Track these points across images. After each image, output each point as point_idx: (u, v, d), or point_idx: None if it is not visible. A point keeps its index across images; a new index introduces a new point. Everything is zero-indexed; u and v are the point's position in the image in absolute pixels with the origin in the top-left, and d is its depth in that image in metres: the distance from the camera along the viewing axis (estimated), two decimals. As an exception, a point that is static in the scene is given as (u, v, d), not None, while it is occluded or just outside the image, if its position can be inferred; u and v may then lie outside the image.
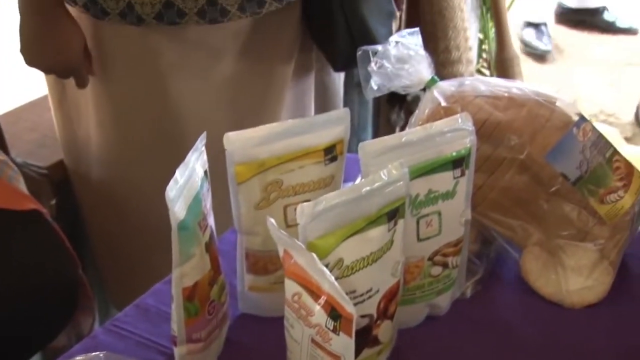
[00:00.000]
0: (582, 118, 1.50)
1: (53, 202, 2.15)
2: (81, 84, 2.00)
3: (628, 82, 4.70)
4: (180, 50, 1.95)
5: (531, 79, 4.31)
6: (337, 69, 2.14)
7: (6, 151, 2.01)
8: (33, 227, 1.86)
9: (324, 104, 2.00)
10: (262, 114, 1.93)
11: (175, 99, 1.94)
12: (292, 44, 2.05)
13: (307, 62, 2.10)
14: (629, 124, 4.21)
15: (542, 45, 5.28)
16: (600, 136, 1.51)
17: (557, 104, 1.52)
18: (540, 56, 5.35)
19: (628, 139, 4.07)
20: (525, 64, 4.44)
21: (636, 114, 4.25)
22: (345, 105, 2.50)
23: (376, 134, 3.05)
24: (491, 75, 3.77)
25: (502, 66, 3.68)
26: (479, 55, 3.90)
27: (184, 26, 1.89)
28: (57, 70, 2.00)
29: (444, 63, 3.16)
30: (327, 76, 2.25)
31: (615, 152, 1.51)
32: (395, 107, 3.03)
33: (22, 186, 1.90)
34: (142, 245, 1.87)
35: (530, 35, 5.38)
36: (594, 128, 1.50)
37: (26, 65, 1.99)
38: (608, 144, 1.51)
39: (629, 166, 1.52)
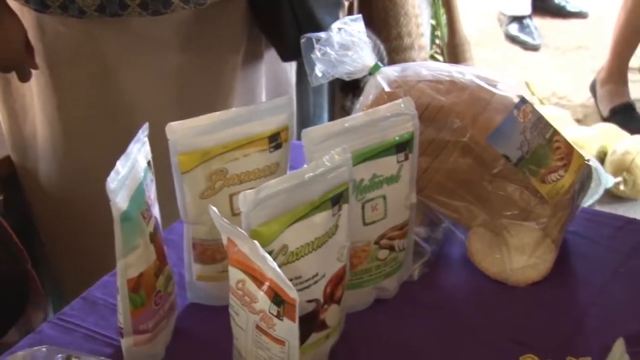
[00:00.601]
0: (523, 100, 1.49)
1: (0, 198, 2.12)
2: (24, 78, 1.98)
3: (579, 65, 4.72)
4: (124, 42, 1.93)
5: (482, 64, 4.31)
6: (286, 59, 2.12)
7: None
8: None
9: (275, 94, 1.99)
10: (212, 105, 1.89)
11: (122, 91, 1.92)
12: (239, 35, 2.03)
13: (256, 52, 2.08)
14: (580, 106, 4.23)
15: (530, 39, 5.26)
16: (541, 117, 1.51)
17: (499, 86, 1.51)
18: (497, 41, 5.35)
19: (579, 121, 4.09)
20: (479, 49, 4.45)
21: (592, 86, 4.26)
22: (299, 94, 2.49)
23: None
24: (444, 61, 3.78)
25: (453, 52, 3.70)
26: (432, 42, 3.91)
27: (126, 18, 1.86)
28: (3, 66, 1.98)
29: (396, 50, 3.15)
30: (278, 65, 2.23)
31: (555, 132, 1.51)
32: (349, 95, 3.02)
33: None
34: (91, 238, 1.84)
35: (514, 29, 5.36)
36: (534, 109, 1.50)
37: None
38: (548, 125, 1.51)
39: (569, 146, 1.52)
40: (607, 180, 3.31)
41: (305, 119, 2.66)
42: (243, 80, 2.05)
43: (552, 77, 4.41)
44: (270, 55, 2.15)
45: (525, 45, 5.28)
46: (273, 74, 2.19)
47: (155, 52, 1.93)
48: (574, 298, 1.49)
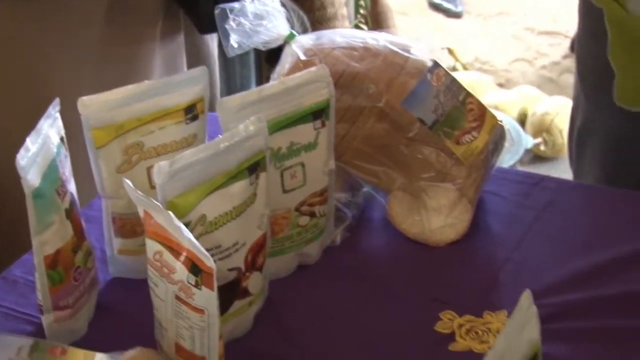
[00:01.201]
0: (436, 64, 1.48)
1: None
2: None
3: (500, 30, 4.73)
4: (42, 18, 1.87)
5: (406, 32, 4.31)
6: (203, 32, 2.08)
7: None
8: None
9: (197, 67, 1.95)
10: (131, 79, 1.86)
11: (40, 67, 1.86)
12: (156, 9, 1.98)
13: (174, 26, 2.03)
14: (502, 71, 4.24)
15: (453, 7, 5.23)
16: (454, 80, 1.50)
17: (412, 51, 1.50)
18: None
19: (501, 85, 4.10)
20: (403, 18, 4.45)
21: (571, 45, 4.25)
22: (225, 66, 2.47)
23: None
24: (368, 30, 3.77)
25: (376, 20, 3.68)
26: (356, 11, 3.89)
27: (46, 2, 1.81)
28: None
29: (320, 20, 3.11)
30: (199, 39, 2.19)
31: (468, 94, 1.51)
32: (275, 66, 3.00)
33: None
34: (7, 216, 1.79)
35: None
36: (447, 73, 1.50)
37: None
38: (461, 88, 1.50)
39: (482, 107, 1.51)
40: (527, 141, 3.35)
41: (232, 91, 2.61)
42: (162, 54, 2.01)
43: (475, 43, 4.42)
44: (191, 29, 2.11)
45: (448, 13, 5.26)
46: (194, 48, 2.16)
47: (74, 27, 1.87)
48: (490, 255, 1.49)
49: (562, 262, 1.45)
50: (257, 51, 2.46)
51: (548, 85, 3.89)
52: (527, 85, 3.91)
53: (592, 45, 1.73)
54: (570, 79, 3.84)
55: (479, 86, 3.82)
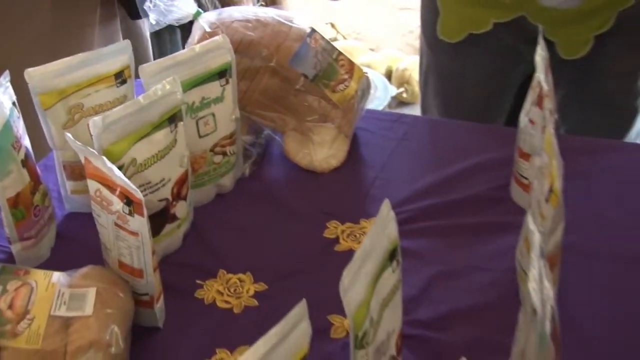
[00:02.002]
0: (313, 30, 1.45)
1: None
2: None
3: (371, 6, 4.67)
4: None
5: (297, 9, 4.26)
6: (133, 18, 1.99)
7: None
8: None
9: (133, 47, 1.86)
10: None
11: None
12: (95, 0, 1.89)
13: (110, 14, 1.94)
14: (373, 39, 4.20)
15: None
16: (328, 43, 1.47)
17: (294, 22, 1.47)
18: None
19: (372, 49, 4.07)
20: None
21: None
22: (159, 45, 2.38)
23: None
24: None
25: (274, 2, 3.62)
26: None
27: None
28: None
29: (228, 3, 3.06)
30: (132, 23, 2.09)
31: (340, 53, 1.48)
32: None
33: None
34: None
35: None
36: (322, 37, 1.46)
37: None
38: (334, 48, 1.47)
39: (351, 63, 1.48)
40: (392, 90, 3.38)
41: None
42: (101, 38, 1.91)
43: (352, 18, 4.37)
44: (125, 16, 2.02)
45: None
46: (128, 31, 2.05)
47: (20, 15, 1.77)
48: (363, 176, 1.47)
49: (418, 177, 1.43)
50: (183, 30, 2.38)
51: (408, 48, 3.88)
52: (392, 48, 3.90)
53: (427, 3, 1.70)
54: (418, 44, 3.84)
55: (355, 51, 3.83)
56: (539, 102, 1.22)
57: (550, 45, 1.55)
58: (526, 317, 0.89)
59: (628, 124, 1.68)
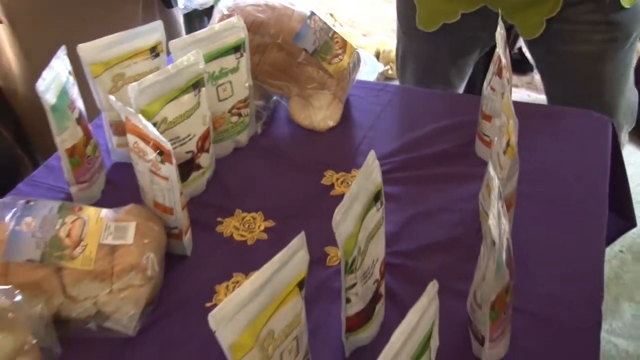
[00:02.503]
0: (312, 13, 1.43)
1: None
2: None
3: (364, 1, 4.61)
4: (68, 5, 1.76)
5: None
6: (168, 6, 1.96)
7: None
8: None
9: (167, 30, 1.84)
10: None
11: (55, 27, 1.75)
12: None
13: (150, 5, 1.91)
14: (366, 25, 4.13)
15: None
16: (325, 23, 1.45)
17: (296, 6, 1.44)
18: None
19: (364, 35, 4.02)
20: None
21: None
22: (190, 30, 2.35)
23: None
24: None
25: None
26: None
27: None
28: None
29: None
30: (167, 12, 2.05)
31: (335, 32, 1.45)
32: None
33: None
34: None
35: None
36: (320, 19, 1.44)
37: None
38: (330, 28, 1.45)
39: (344, 40, 1.46)
40: (380, 67, 3.35)
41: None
42: (143, 22, 1.89)
43: (348, 9, 4.31)
44: (161, 5, 1.99)
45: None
46: (165, 18, 2.02)
47: (85, 9, 1.77)
48: (354, 134, 1.45)
49: (399, 136, 1.42)
50: (208, 17, 2.36)
51: (393, 34, 3.80)
52: (380, 35, 3.86)
53: None
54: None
55: (350, 36, 3.77)
56: (498, 73, 1.21)
57: (511, 28, 1.56)
58: (486, 248, 0.89)
59: (595, 95, 1.67)
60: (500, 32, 1.18)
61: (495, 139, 1.09)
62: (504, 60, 1.15)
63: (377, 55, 3.53)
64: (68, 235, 1.04)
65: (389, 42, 3.59)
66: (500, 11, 1.36)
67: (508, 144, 1.03)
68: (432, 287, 0.73)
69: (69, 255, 1.02)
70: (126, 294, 1.03)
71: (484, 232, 1.13)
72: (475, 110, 1.35)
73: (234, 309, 0.72)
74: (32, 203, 1.08)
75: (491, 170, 0.96)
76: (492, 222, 0.85)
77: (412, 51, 1.75)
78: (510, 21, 1.56)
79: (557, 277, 1.08)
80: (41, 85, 1.11)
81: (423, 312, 0.71)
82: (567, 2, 1.50)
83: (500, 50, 1.17)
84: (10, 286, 0.95)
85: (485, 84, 1.28)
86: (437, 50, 1.67)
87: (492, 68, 1.25)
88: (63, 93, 1.17)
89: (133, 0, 1.85)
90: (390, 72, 3.38)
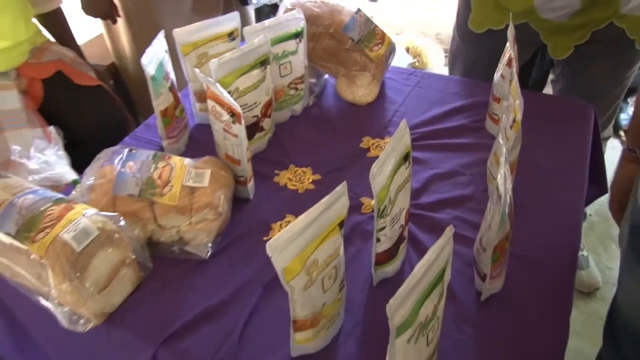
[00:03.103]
0: (358, 10, 1.39)
1: (111, 82, 2.00)
2: (114, 22, 1.81)
3: (398, 7, 4.51)
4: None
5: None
6: (242, 4, 1.94)
7: (84, 59, 1.85)
8: (99, 94, 1.74)
9: (241, 21, 1.83)
10: None
11: (159, 18, 1.75)
12: None
13: (228, 2, 1.89)
14: (398, 26, 4.06)
15: None
16: (368, 18, 1.40)
17: (345, 4, 1.40)
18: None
19: (397, 34, 3.95)
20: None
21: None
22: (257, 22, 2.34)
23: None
24: None
25: None
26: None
27: None
28: (100, 16, 1.80)
29: None
30: (242, 8, 2.03)
31: (376, 26, 1.41)
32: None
33: (92, 74, 1.76)
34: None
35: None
36: (364, 14, 1.40)
37: (85, 14, 1.79)
38: (372, 22, 1.40)
39: (383, 33, 1.42)
40: (409, 59, 3.26)
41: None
42: (223, 14, 1.87)
43: (385, 13, 4.24)
44: (237, 3, 1.96)
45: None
46: (240, 11, 2.01)
47: (176, 3, 1.76)
48: (388, 108, 1.41)
49: (424, 111, 1.38)
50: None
51: (419, 35, 3.75)
52: (410, 34, 3.78)
53: (464, 4, 1.61)
54: (431, 33, 3.72)
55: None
56: (508, 63, 1.17)
57: (545, 47, 1.50)
58: (492, 203, 0.87)
59: (609, 110, 1.60)
60: (511, 30, 1.13)
61: (504, 116, 1.06)
62: (512, 54, 1.11)
63: (407, 50, 3.46)
64: (159, 177, 1.03)
65: (417, 41, 3.51)
66: (538, 30, 1.32)
67: (514, 120, 1.00)
68: (449, 231, 0.71)
69: (159, 193, 1.02)
70: (201, 225, 1.02)
71: (490, 191, 1.11)
72: (485, 93, 1.32)
73: (287, 240, 0.71)
74: (134, 151, 1.08)
75: (501, 139, 0.93)
76: (499, 180, 0.82)
77: (461, 48, 1.70)
78: (545, 42, 1.49)
79: (545, 229, 1.06)
80: (144, 59, 1.11)
81: (440, 250, 0.69)
82: (594, 34, 1.42)
83: (510, 44, 1.13)
84: (116, 213, 0.96)
85: (496, 72, 1.24)
86: (480, 49, 1.61)
87: (502, 60, 1.21)
88: (160, 66, 1.16)
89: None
90: (417, 63, 3.31)
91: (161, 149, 1.26)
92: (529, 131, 1.17)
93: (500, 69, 1.22)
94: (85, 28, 2.27)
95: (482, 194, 1.13)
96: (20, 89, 1.62)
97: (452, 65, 1.80)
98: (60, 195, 0.98)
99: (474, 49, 1.65)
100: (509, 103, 1.04)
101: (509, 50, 1.15)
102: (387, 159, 0.82)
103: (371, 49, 1.37)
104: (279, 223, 1.08)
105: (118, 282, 0.95)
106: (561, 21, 1.40)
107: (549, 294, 0.95)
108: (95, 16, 1.81)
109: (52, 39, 1.82)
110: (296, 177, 1.20)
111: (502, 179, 0.82)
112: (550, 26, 1.44)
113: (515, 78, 1.04)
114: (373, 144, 1.27)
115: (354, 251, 1.03)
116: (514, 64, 1.10)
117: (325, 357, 0.87)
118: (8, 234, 0.91)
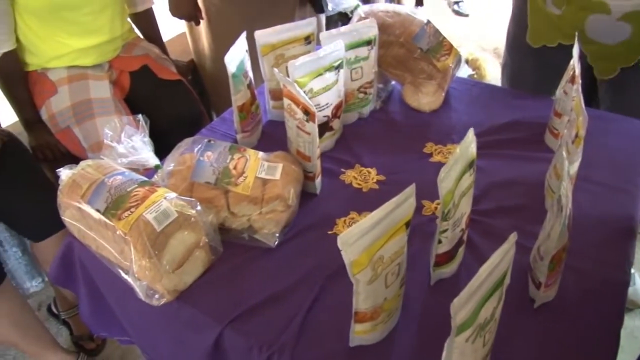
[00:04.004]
0: (429, 21, 1.37)
1: (189, 77, 2.04)
2: (197, 23, 1.84)
3: (457, 23, 4.43)
4: (238, 6, 1.77)
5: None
6: (318, 12, 1.93)
7: (167, 55, 1.89)
8: (178, 87, 1.77)
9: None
10: None
11: (237, 24, 1.75)
12: (295, 1, 1.85)
13: (303, 9, 1.89)
14: (458, 39, 3.99)
15: (462, 11, 4.60)
16: (437, 30, 1.38)
17: (416, 15, 1.38)
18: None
19: (458, 46, 3.91)
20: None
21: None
22: (327, 29, 2.35)
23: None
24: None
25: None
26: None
27: None
28: (185, 17, 1.83)
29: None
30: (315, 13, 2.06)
31: (444, 38, 1.38)
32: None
33: (174, 69, 1.80)
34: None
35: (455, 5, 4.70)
36: (434, 26, 1.37)
37: (171, 16, 1.83)
38: (441, 34, 1.38)
39: (450, 45, 1.39)
40: (469, 71, 3.21)
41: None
42: (299, 18, 1.88)
43: (447, 27, 4.17)
44: (312, 10, 1.97)
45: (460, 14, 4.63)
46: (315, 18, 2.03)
47: (256, 7, 1.78)
48: (451, 116, 1.38)
49: (485, 121, 1.35)
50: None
51: (478, 48, 3.67)
52: (469, 48, 3.71)
53: (517, 19, 1.58)
54: (489, 47, 3.65)
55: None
56: (571, 80, 1.14)
57: (590, 68, 1.45)
58: (553, 214, 0.84)
59: None
60: (576, 49, 1.10)
61: (565, 131, 1.03)
62: (577, 71, 1.08)
63: (467, 62, 3.40)
64: (234, 168, 1.05)
65: (475, 52, 3.46)
66: (586, 53, 1.29)
67: (577, 136, 0.97)
68: (512, 237, 0.69)
69: (234, 182, 1.03)
70: (271, 216, 1.03)
71: (549, 203, 1.08)
72: (544, 108, 1.28)
73: (356, 235, 0.71)
74: (212, 142, 1.09)
75: (564, 153, 0.90)
76: (563, 192, 0.80)
77: (507, 61, 1.66)
78: (591, 63, 1.44)
79: (599, 243, 1.02)
80: (227, 57, 1.12)
81: (504, 255, 0.67)
82: None
83: (575, 62, 1.10)
84: (193, 199, 0.97)
85: (559, 89, 1.20)
86: (528, 63, 1.57)
87: (565, 76, 1.18)
88: (240, 64, 1.17)
89: (290, 4, 1.85)
90: (475, 76, 3.25)
91: (235, 141, 1.27)
92: (585, 146, 1.14)
93: (563, 85, 1.19)
94: (169, 27, 2.32)
95: (538, 204, 1.10)
96: (111, 79, 1.68)
97: (502, 77, 1.76)
98: (144, 178, 1.00)
99: (520, 63, 1.62)
100: (572, 118, 1.01)
101: (573, 68, 1.11)
102: (454, 164, 0.81)
103: (438, 59, 1.35)
104: (343, 219, 1.08)
105: (191, 263, 0.97)
106: (608, 44, 1.36)
107: (601, 307, 0.92)
108: (182, 18, 1.85)
109: (141, 36, 1.87)
110: (361, 176, 1.19)
111: (564, 192, 0.80)
112: (597, 49, 1.40)
113: (580, 95, 1.01)
114: (436, 150, 1.25)
115: (413, 251, 1.01)
116: (578, 81, 1.06)
117: (381, 350, 0.86)
118: (98, 210, 0.94)
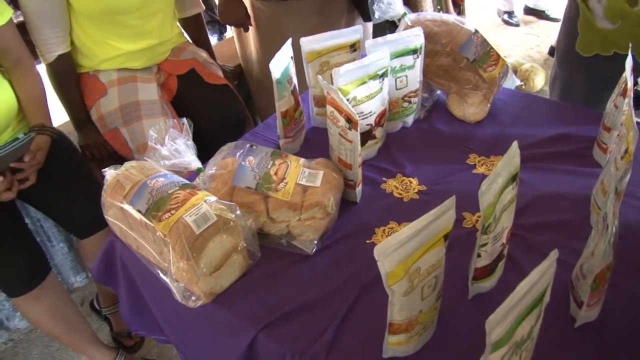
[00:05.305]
0: (476, 31, 1.35)
1: (236, 82, 2.06)
2: (246, 30, 1.86)
3: (506, 33, 4.36)
4: (289, 13, 1.78)
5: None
6: (366, 20, 1.93)
7: (215, 59, 1.92)
8: (224, 92, 1.80)
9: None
10: None
11: (285, 31, 1.77)
12: (343, 9, 1.86)
13: (351, 17, 1.91)
14: (506, 49, 3.93)
15: (513, 21, 4.52)
16: (485, 40, 1.36)
17: (464, 24, 1.37)
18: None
19: (505, 56, 3.84)
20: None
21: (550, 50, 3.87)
22: (375, 35, 2.34)
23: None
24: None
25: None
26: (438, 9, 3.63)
27: (291, 3, 1.75)
28: (235, 24, 1.85)
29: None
30: (363, 23, 2.05)
31: (492, 48, 1.36)
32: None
33: (220, 74, 1.83)
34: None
35: (506, 16, 4.63)
36: (482, 36, 1.36)
37: (221, 22, 1.87)
38: (488, 44, 1.36)
39: (498, 55, 1.37)
40: (516, 81, 3.15)
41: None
42: (346, 26, 1.88)
43: (495, 37, 4.11)
44: (359, 19, 1.98)
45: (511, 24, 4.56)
46: (362, 24, 2.03)
47: (303, 13, 1.78)
48: (497, 127, 1.36)
49: (531, 134, 1.32)
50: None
51: (527, 58, 3.59)
52: (517, 57, 3.65)
53: (568, 30, 1.54)
54: (539, 58, 3.58)
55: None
56: (623, 94, 1.10)
57: None
58: (597, 232, 0.82)
59: None
60: (629, 61, 1.07)
61: (614, 146, 1.00)
62: (629, 84, 1.05)
63: (515, 71, 3.34)
64: (275, 174, 1.05)
65: (524, 63, 3.39)
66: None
67: (626, 151, 0.93)
68: (553, 254, 0.68)
69: (274, 188, 1.03)
70: (310, 223, 1.03)
71: (594, 219, 1.05)
72: (592, 121, 1.25)
73: (394, 246, 0.70)
74: (254, 147, 1.11)
75: (612, 169, 0.88)
76: (609, 209, 0.77)
77: (558, 72, 1.63)
78: None
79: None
80: (272, 64, 1.13)
81: (544, 272, 0.66)
82: None
83: (628, 75, 1.06)
84: (233, 203, 0.98)
85: (609, 102, 1.17)
86: (578, 74, 1.54)
87: (617, 90, 1.14)
88: (285, 70, 1.18)
89: (339, 12, 1.85)
90: (524, 87, 3.19)
91: (277, 147, 1.28)
92: (635, 162, 1.10)
93: (614, 98, 1.15)
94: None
95: (582, 220, 1.07)
96: (159, 82, 1.71)
97: (551, 90, 1.73)
98: (185, 181, 1.02)
99: (571, 74, 1.58)
100: (622, 133, 0.98)
101: (625, 81, 1.08)
102: (497, 177, 0.80)
103: (485, 70, 1.33)
104: (382, 228, 1.08)
105: (228, 267, 0.98)
106: None
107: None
108: (231, 24, 1.88)
109: (190, 40, 1.90)
110: (402, 186, 1.18)
111: (611, 209, 0.78)
112: None
113: (632, 109, 0.98)
114: (479, 161, 1.24)
115: (451, 263, 0.99)
116: (630, 95, 1.03)
117: (415, 362, 0.85)
118: (139, 211, 0.96)
